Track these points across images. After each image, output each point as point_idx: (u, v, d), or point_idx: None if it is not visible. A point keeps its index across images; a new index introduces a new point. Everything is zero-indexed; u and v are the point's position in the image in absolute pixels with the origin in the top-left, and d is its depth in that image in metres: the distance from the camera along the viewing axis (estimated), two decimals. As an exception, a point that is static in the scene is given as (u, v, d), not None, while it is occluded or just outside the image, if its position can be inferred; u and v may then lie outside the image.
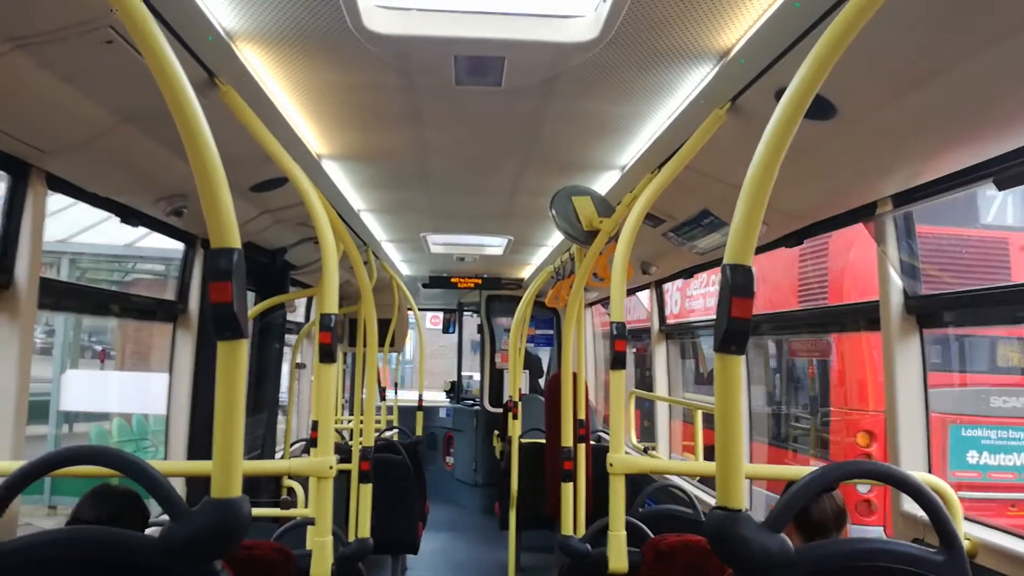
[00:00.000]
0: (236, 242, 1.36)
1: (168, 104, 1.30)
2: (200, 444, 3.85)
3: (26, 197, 2.54)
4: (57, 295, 2.97)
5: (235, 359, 1.39)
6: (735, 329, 1.33)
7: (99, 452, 1.50)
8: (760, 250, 3.49)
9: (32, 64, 1.93)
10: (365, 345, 3.86)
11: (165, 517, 1.44)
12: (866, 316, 3.09)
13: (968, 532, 2.37)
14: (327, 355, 2.44)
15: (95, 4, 1.73)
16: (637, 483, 5.09)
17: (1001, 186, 2.16)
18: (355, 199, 4.22)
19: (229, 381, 1.39)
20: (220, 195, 1.34)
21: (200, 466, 2.37)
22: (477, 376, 9.72)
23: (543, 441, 6.13)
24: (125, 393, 7.69)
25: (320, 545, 2.36)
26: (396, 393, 7.68)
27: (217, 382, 1.40)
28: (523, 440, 6.09)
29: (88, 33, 1.82)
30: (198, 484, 3.57)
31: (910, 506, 2.68)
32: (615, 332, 2.57)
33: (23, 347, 2.53)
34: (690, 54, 2.17)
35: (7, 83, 1.98)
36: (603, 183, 3.59)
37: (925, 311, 2.72)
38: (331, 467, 2.36)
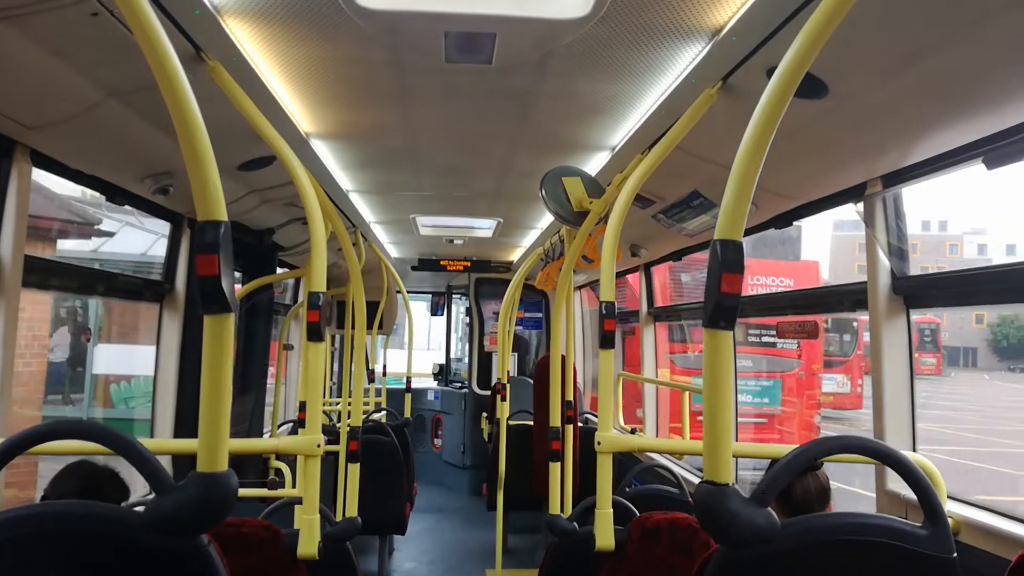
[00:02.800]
0: (223, 215, 1.34)
1: (156, 77, 1.28)
2: (187, 423, 3.84)
3: (10, 174, 2.51)
4: (42, 273, 2.95)
5: (222, 333, 1.38)
6: (725, 304, 1.33)
7: (84, 426, 1.48)
8: (750, 231, 3.50)
9: (16, 37, 1.90)
10: (354, 327, 3.85)
11: (146, 498, 1.42)
12: (852, 297, 3.11)
13: (951, 510, 2.40)
14: (315, 334, 2.43)
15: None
16: (623, 464, 5.13)
17: (990, 165, 2.17)
18: (343, 179, 4.19)
19: (215, 355, 1.38)
20: (207, 168, 1.33)
21: (187, 444, 2.36)
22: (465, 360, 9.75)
23: (531, 423, 6.16)
24: (137, 360, 9.50)
25: (308, 523, 2.36)
26: (384, 374, 7.68)
27: (204, 356, 1.39)
28: (511, 422, 6.11)
29: (74, 5, 1.79)
30: (184, 464, 3.56)
31: (894, 484, 2.71)
32: (604, 312, 2.58)
33: (8, 324, 2.51)
34: (682, 31, 2.16)
35: None
36: (594, 164, 3.59)
37: (912, 291, 2.73)
38: (319, 445, 2.36)
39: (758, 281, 11.66)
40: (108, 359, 9.95)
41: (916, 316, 2.81)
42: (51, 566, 1.39)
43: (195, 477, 1.37)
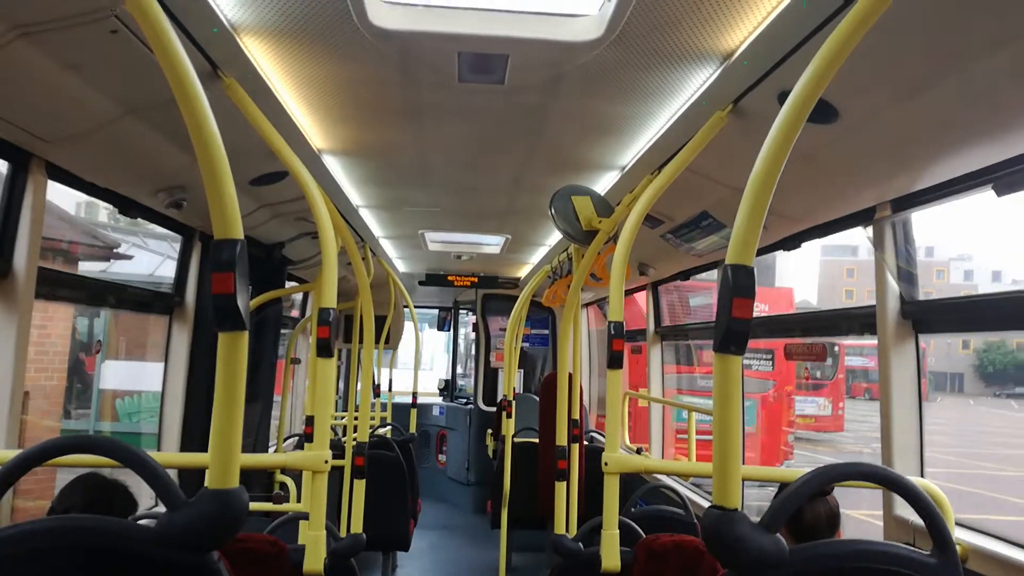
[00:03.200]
0: (239, 233, 1.36)
1: (175, 95, 1.30)
2: (193, 436, 3.84)
3: (26, 186, 2.54)
4: (53, 284, 2.97)
5: (236, 351, 1.38)
6: (735, 329, 1.34)
7: (97, 441, 1.48)
8: (757, 253, 3.50)
9: (36, 52, 1.93)
10: (361, 341, 3.86)
11: (155, 510, 1.42)
12: (861, 321, 3.10)
13: (959, 537, 2.38)
14: (324, 349, 2.44)
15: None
16: (629, 484, 5.10)
17: (1000, 192, 2.18)
18: (353, 195, 4.22)
19: (229, 372, 1.39)
20: (224, 187, 1.34)
21: (196, 458, 2.36)
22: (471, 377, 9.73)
23: (536, 441, 6.14)
24: (143, 376, 9.94)
25: (314, 539, 2.35)
26: (391, 389, 7.67)
27: (217, 373, 1.40)
28: (516, 439, 6.09)
29: (94, 23, 1.82)
30: (190, 477, 3.57)
31: (902, 510, 2.70)
32: (613, 332, 2.58)
33: (20, 336, 2.52)
34: (694, 55, 2.17)
35: (10, 71, 1.98)
36: (603, 183, 3.60)
37: (921, 316, 2.73)
38: (326, 461, 2.36)
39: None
40: (114, 375, 10.25)
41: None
42: None
43: (207, 494, 1.37)
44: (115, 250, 8.96)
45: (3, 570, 1.36)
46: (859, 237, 3.27)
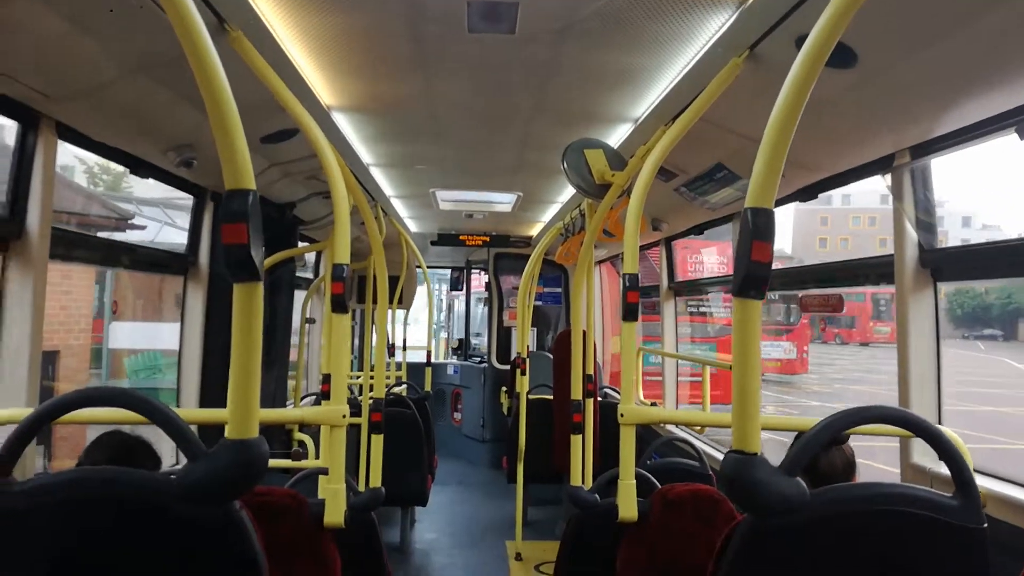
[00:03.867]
0: (251, 183, 1.34)
1: (183, 46, 1.28)
2: (212, 394, 3.88)
3: (36, 146, 2.53)
4: (68, 246, 2.98)
5: (251, 301, 1.38)
6: (755, 273, 1.32)
7: (115, 394, 1.48)
8: (776, 203, 3.46)
9: (43, 8, 1.91)
10: (375, 301, 3.86)
11: (177, 467, 1.43)
12: (879, 270, 3.07)
13: (979, 484, 2.38)
14: (339, 305, 2.44)
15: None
16: (643, 438, 5.13)
17: (1024, 135, 2.13)
18: (364, 153, 4.19)
19: (246, 323, 1.39)
20: (234, 136, 1.32)
21: (215, 413, 2.38)
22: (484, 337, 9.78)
23: (550, 397, 6.17)
24: (147, 336, 10.86)
25: (333, 492, 2.38)
26: (405, 348, 7.72)
27: (234, 325, 1.39)
28: (530, 396, 6.13)
29: None
30: (210, 434, 3.61)
31: (919, 458, 2.70)
32: (627, 284, 2.56)
33: (36, 297, 2.54)
34: (708, 0, 2.12)
35: (16, 28, 1.96)
36: (616, 136, 3.55)
37: (939, 264, 2.70)
38: (344, 415, 2.37)
39: (697, 260, 12.40)
40: (123, 335, 10.88)
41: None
42: (84, 530, 1.41)
43: (227, 444, 1.38)
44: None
45: (27, 521, 1.38)
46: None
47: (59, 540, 1.41)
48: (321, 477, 2.59)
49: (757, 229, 1.31)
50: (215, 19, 2.14)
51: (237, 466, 1.38)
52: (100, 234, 8.47)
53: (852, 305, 30.03)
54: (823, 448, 1.97)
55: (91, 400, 1.51)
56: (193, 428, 3.51)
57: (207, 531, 1.44)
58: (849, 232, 57.69)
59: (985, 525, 1.48)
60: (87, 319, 8.80)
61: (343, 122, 3.52)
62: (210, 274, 3.90)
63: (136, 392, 1.46)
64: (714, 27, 2.30)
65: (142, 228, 10.20)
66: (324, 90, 3.04)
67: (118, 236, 9.63)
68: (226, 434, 1.40)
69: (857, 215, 59.18)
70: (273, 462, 3.49)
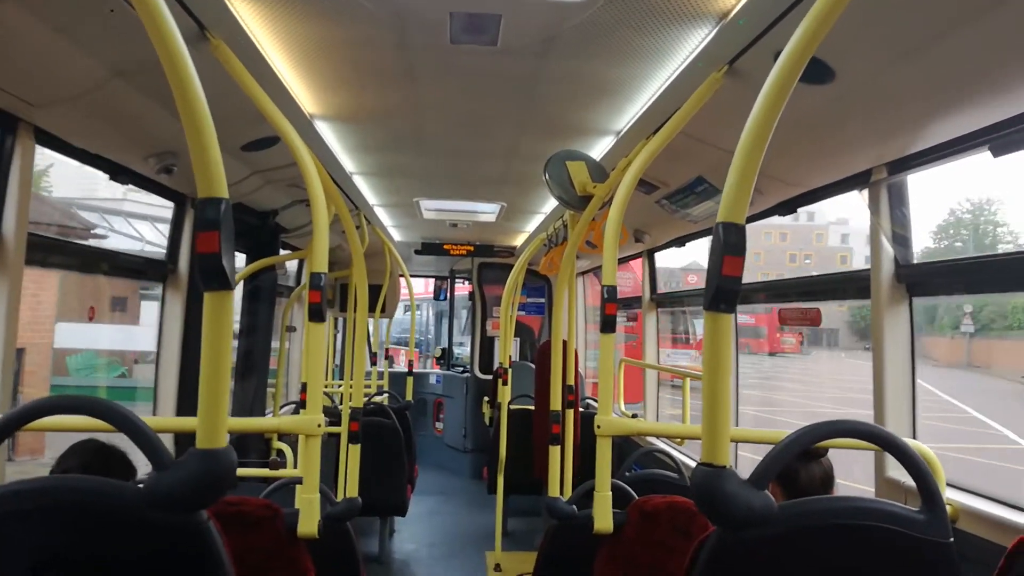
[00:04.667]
0: (224, 192, 1.34)
1: (158, 53, 1.28)
2: (190, 402, 3.85)
3: (14, 151, 2.51)
4: (45, 251, 2.95)
5: (222, 310, 1.38)
6: (726, 287, 1.33)
7: (84, 402, 1.47)
8: (753, 218, 3.49)
9: (21, 14, 1.90)
10: (356, 309, 3.86)
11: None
12: (856, 284, 3.10)
13: (950, 497, 2.41)
14: (317, 314, 2.43)
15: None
16: (624, 449, 5.14)
17: (996, 152, 2.16)
18: (347, 162, 4.18)
19: (215, 332, 1.38)
20: (208, 145, 1.32)
21: (187, 422, 2.36)
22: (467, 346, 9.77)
23: (532, 408, 6.17)
24: (88, 337, 11.23)
25: (308, 502, 2.36)
26: (387, 357, 7.69)
27: (204, 333, 1.39)
28: (512, 406, 6.12)
29: None
30: (186, 443, 3.58)
31: (894, 472, 2.72)
32: (606, 296, 2.58)
33: (11, 302, 2.51)
34: (689, 15, 2.14)
35: None
36: (598, 148, 3.57)
37: (915, 279, 2.73)
38: (319, 425, 2.36)
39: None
40: (66, 336, 11.20)
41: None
42: (49, 539, 1.39)
43: (195, 453, 1.37)
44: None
45: None
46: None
47: (27, 549, 1.39)
48: (297, 487, 2.57)
49: (728, 244, 1.32)
50: (196, 27, 2.13)
51: (205, 475, 1.37)
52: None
53: (761, 317, 30.60)
54: (800, 461, 1.98)
55: (59, 408, 1.50)
56: (169, 436, 3.49)
57: (174, 541, 1.43)
58: (761, 247, 58.29)
59: (951, 539, 1.49)
60: (51, 319, 9.26)
61: (326, 131, 3.52)
62: (190, 281, 3.87)
63: (104, 400, 1.44)
64: (694, 41, 2.32)
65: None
66: (307, 99, 3.04)
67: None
68: (196, 443, 1.39)
69: (769, 231, 59.75)
70: (251, 471, 3.47)
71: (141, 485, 1.41)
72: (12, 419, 1.41)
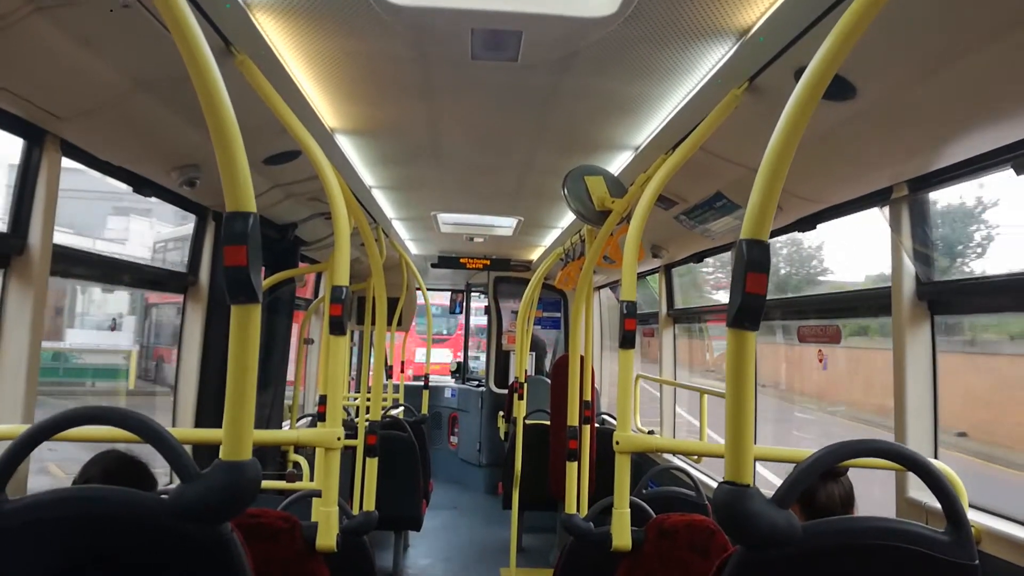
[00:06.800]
0: (252, 206, 1.35)
1: (188, 69, 1.29)
2: (207, 414, 3.87)
3: (40, 163, 2.55)
4: (68, 262, 2.99)
5: (248, 323, 1.38)
6: (749, 304, 1.33)
7: (113, 413, 1.48)
8: (772, 235, 3.47)
9: (49, 28, 1.93)
10: (374, 322, 3.87)
11: (170, 487, 1.42)
12: (876, 302, 3.08)
13: (973, 519, 2.37)
14: (337, 327, 2.44)
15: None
16: (640, 466, 5.11)
17: (1020, 171, 2.15)
18: (366, 175, 4.21)
19: (242, 345, 1.39)
20: (237, 159, 1.34)
21: (210, 433, 2.38)
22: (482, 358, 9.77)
23: (548, 423, 6.15)
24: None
25: (326, 515, 2.36)
26: (403, 371, 7.70)
27: (231, 346, 1.40)
28: (528, 421, 6.10)
29: None
30: (203, 454, 3.60)
31: (915, 492, 2.69)
32: (625, 311, 2.57)
33: (35, 313, 2.54)
34: (709, 32, 2.15)
35: (25, 47, 1.98)
36: (616, 163, 3.58)
37: (937, 297, 2.71)
38: (339, 438, 2.37)
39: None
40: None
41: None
42: (75, 548, 1.40)
43: (220, 465, 1.38)
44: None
45: (21, 538, 1.37)
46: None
47: (50, 559, 1.41)
48: (315, 500, 2.57)
49: (752, 261, 1.32)
50: (222, 43, 2.16)
51: (230, 488, 1.37)
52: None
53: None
54: (820, 480, 1.96)
55: (88, 418, 1.51)
56: (187, 448, 3.51)
57: (198, 552, 1.43)
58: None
59: (976, 562, 1.47)
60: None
61: (346, 144, 3.54)
62: (210, 293, 3.91)
63: (133, 412, 1.46)
64: (714, 58, 2.33)
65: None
66: (328, 113, 3.06)
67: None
68: (220, 455, 1.40)
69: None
70: (267, 483, 3.48)
71: (165, 496, 1.42)
72: (45, 428, 1.43)
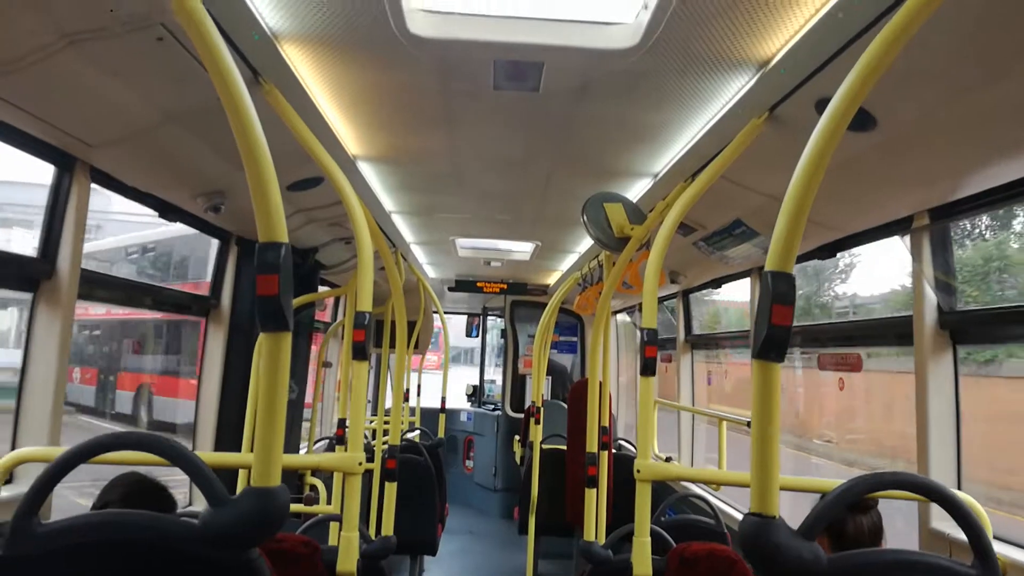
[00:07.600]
0: (284, 236, 1.38)
1: (222, 100, 1.33)
2: (227, 437, 3.89)
3: (71, 190, 2.60)
4: (91, 285, 3.03)
5: (279, 351, 1.41)
6: (775, 336, 1.33)
7: (144, 439, 1.50)
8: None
9: (83, 60, 1.98)
10: (393, 346, 3.88)
11: (189, 509, 1.43)
12: (897, 331, 3.06)
13: (999, 552, 2.34)
14: (360, 352, 2.45)
15: (149, 1, 1.77)
16: (657, 492, 5.06)
17: (1043, 202, 2.14)
18: (386, 201, 4.26)
19: (273, 372, 1.41)
20: (269, 190, 1.37)
21: (232, 458, 2.40)
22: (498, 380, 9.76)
23: (564, 448, 6.12)
24: None
25: (347, 540, 2.37)
26: (419, 394, 7.71)
27: (261, 373, 1.42)
28: (544, 446, 6.08)
29: (141, 30, 1.86)
30: (224, 477, 3.61)
31: (939, 523, 2.66)
32: (646, 339, 2.57)
33: (63, 336, 2.58)
34: (730, 63, 2.17)
35: (58, 78, 2.03)
36: (635, 190, 3.60)
37: (959, 327, 2.69)
38: (360, 463, 2.37)
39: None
40: None
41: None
42: (105, 574, 1.42)
43: (250, 491, 1.39)
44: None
45: (52, 563, 1.39)
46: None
47: None
48: (334, 524, 2.58)
49: (777, 293, 1.32)
50: (250, 72, 2.21)
51: (260, 513, 1.39)
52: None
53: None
54: (849, 512, 1.95)
55: (123, 444, 1.53)
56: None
57: None
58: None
59: None
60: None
61: (368, 171, 3.59)
62: (232, 317, 3.94)
63: (164, 438, 1.47)
64: (734, 88, 2.35)
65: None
66: (351, 141, 3.11)
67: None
68: (251, 481, 1.42)
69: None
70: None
71: (187, 519, 1.43)
72: (80, 453, 1.45)
